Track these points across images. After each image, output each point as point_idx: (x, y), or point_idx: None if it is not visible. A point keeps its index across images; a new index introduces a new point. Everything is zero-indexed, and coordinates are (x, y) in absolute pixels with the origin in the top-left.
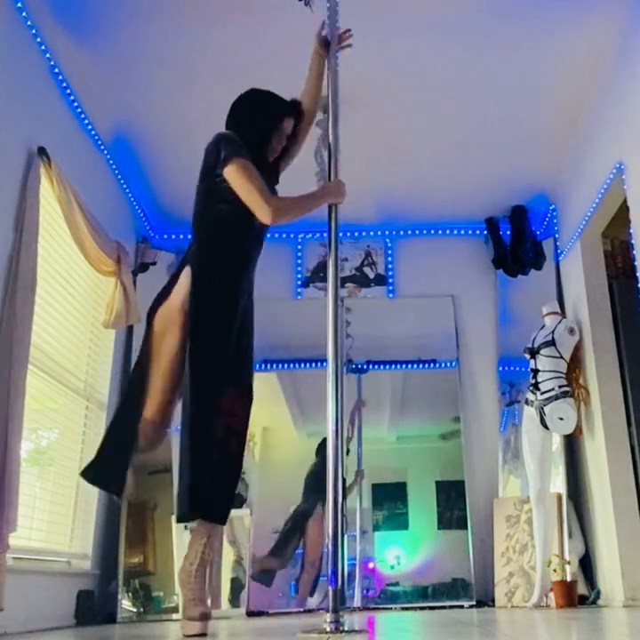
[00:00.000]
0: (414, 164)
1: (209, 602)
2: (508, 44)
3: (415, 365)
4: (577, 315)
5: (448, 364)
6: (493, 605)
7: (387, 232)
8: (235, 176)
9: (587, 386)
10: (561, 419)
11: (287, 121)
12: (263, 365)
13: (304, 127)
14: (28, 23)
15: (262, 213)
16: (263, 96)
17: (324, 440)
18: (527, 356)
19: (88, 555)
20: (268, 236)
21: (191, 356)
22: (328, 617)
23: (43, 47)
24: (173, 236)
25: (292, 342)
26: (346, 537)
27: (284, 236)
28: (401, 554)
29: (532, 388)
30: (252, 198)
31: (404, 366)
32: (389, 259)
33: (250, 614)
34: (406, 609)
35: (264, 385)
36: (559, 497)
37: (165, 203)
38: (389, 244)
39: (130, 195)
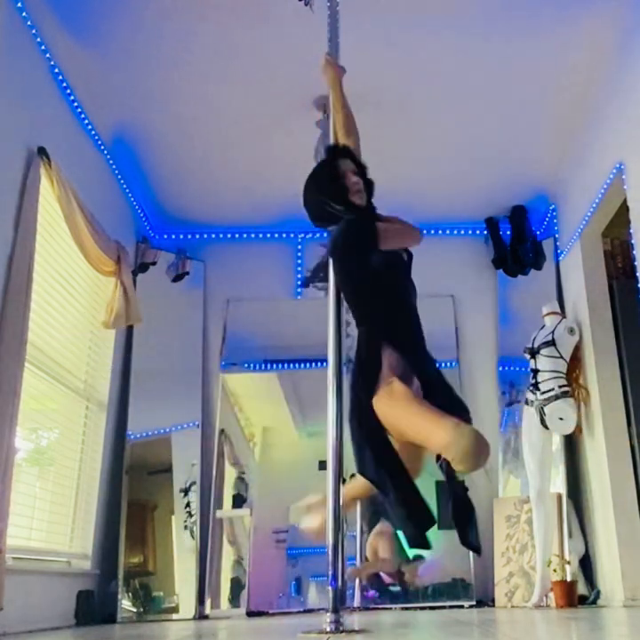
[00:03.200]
0: (414, 164)
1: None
2: (507, 44)
3: None
4: (577, 315)
5: (448, 363)
6: (493, 605)
7: None
8: None
9: (587, 386)
10: (561, 419)
11: (342, 162)
12: (263, 365)
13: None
14: (28, 23)
15: None
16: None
17: None
18: (527, 356)
19: (88, 555)
20: (268, 235)
21: None
22: (328, 617)
23: (43, 47)
24: (173, 236)
25: (292, 342)
26: (346, 537)
27: (284, 235)
28: None
29: (531, 388)
30: None
31: None
32: None
33: (250, 614)
34: (406, 609)
35: (264, 385)
36: (559, 497)
37: (165, 203)
38: None
39: (130, 195)
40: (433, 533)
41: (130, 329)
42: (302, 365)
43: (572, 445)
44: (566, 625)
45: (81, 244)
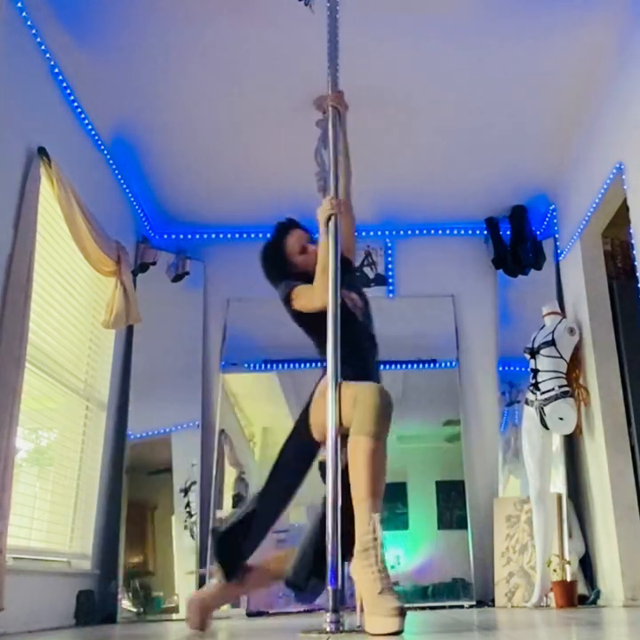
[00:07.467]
0: (414, 163)
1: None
2: (507, 45)
3: (415, 365)
4: (577, 315)
5: (448, 363)
6: (493, 605)
7: (387, 232)
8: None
9: (587, 386)
10: (561, 419)
11: (289, 238)
12: (263, 365)
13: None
14: (28, 23)
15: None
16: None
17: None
18: (527, 356)
19: (88, 555)
20: (268, 235)
21: None
22: (328, 617)
23: (43, 47)
24: (173, 236)
25: (292, 342)
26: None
27: None
28: (401, 554)
29: (532, 388)
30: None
31: (403, 366)
32: (389, 259)
33: (250, 614)
34: (406, 609)
35: (264, 385)
36: (559, 497)
37: (165, 203)
38: (389, 244)
39: (130, 195)
40: (433, 533)
41: (130, 329)
42: (302, 365)
43: (572, 445)
44: (566, 625)
45: (81, 244)
